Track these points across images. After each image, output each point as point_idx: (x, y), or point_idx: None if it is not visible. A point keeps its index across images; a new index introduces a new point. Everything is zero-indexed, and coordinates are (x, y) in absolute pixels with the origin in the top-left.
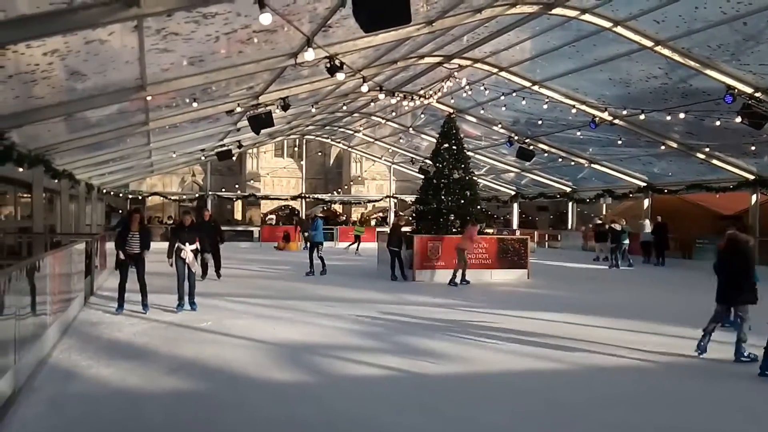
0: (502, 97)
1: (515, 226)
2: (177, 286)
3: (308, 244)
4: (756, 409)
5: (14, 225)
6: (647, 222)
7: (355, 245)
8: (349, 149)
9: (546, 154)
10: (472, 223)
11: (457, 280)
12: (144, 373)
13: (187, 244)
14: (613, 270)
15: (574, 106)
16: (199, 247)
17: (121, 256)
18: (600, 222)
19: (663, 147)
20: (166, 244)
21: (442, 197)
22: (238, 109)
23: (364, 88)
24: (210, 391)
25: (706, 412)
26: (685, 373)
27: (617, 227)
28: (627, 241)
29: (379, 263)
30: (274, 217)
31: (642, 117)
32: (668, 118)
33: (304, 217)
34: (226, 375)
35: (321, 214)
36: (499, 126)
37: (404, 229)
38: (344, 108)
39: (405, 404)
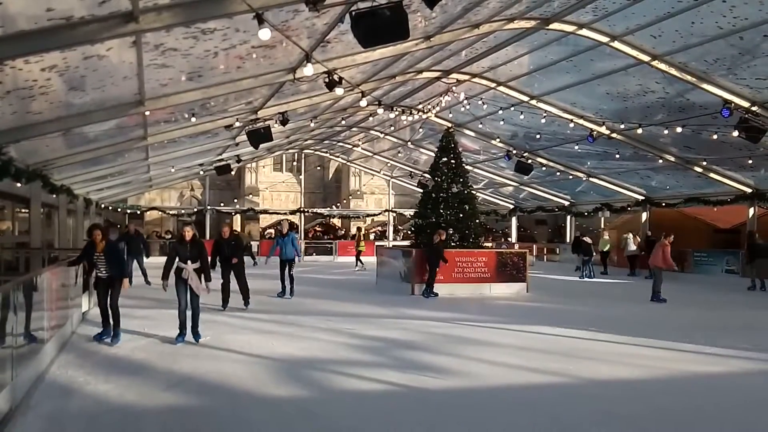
0: (500, 112)
1: (514, 239)
2: (178, 313)
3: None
4: (758, 427)
5: (12, 240)
6: (631, 237)
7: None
8: (348, 163)
9: (544, 168)
10: (664, 236)
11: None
12: (142, 389)
13: (189, 262)
14: (605, 282)
15: (571, 120)
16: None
17: (100, 273)
18: (579, 234)
19: (661, 161)
20: (163, 260)
21: (441, 211)
22: (237, 124)
23: (363, 103)
24: (209, 406)
25: (706, 430)
26: (685, 388)
27: (588, 240)
28: (593, 254)
29: (378, 277)
30: (273, 231)
31: (639, 131)
32: (665, 131)
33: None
34: (225, 391)
35: (317, 229)
36: (498, 140)
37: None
38: (343, 122)
39: (406, 420)
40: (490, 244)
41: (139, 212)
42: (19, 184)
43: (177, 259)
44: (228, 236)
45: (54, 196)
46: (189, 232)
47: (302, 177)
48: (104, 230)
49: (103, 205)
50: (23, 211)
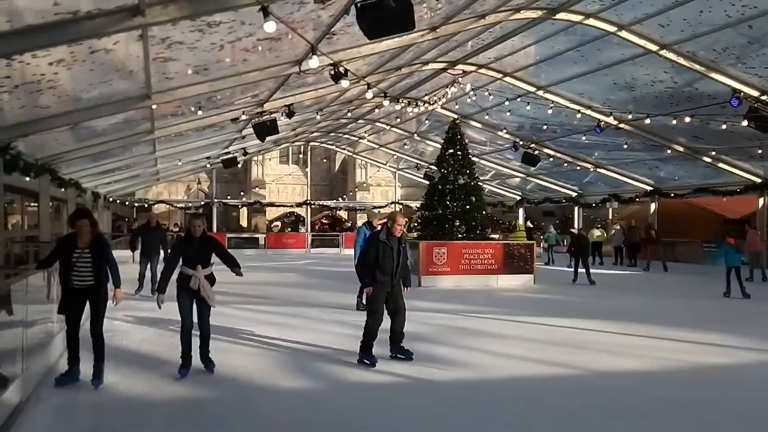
0: (507, 103)
1: None
2: (180, 338)
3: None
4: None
5: (21, 234)
6: (619, 227)
7: None
8: (354, 155)
9: (551, 159)
10: None
11: None
12: (151, 381)
13: (199, 267)
14: (609, 274)
15: (579, 111)
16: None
17: (77, 282)
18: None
19: (669, 151)
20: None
21: (448, 203)
22: (243, 117)
23: (369, 95)
24: (217, 398)
25: (713, 420)
26: (693, 379)
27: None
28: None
29: None
30: (279, 224)
31: (647, 121)
32: (674, 122)
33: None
34: (233, 382)
35: (323, 221)
36: (504, 131)
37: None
38: (349, 114)
39: (412, 411)
40: (496, 236)
41: (146, 205)
42: (27, 178)
43: (182, 263)
44: (400, 233)
45: (62, 189)
46: (199, 227)
47: (308, 169)
48: (92, 219)
49: (111, 199)
50: (32, 205)
